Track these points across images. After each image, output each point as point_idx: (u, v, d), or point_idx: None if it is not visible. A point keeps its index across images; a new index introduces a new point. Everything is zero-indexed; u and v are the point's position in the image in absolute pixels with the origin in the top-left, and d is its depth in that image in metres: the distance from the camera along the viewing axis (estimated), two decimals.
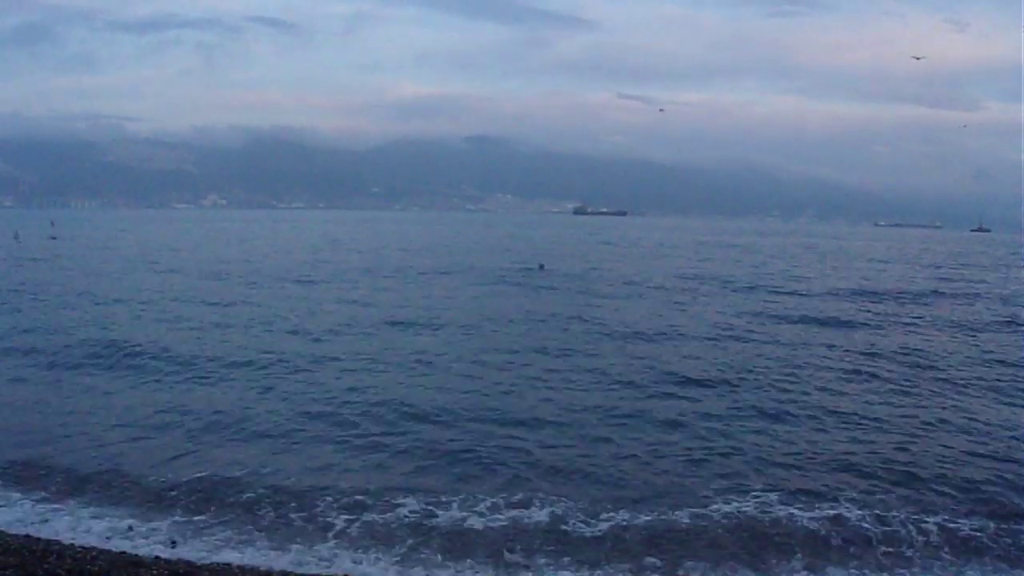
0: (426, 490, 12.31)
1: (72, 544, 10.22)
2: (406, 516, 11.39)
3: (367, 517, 11.36)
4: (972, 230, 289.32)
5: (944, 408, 17.56)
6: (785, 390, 18.72)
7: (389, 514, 11.44)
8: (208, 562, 9.98)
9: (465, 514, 11.49)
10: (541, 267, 51.40)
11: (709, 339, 25.47)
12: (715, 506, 11.86)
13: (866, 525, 11.36)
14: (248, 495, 12.05)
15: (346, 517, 11.34)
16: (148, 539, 10.64)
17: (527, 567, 10.16)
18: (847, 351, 23.82)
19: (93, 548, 10.09)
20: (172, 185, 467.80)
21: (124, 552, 10.07)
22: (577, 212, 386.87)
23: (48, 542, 10.25)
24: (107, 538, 10.64)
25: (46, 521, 11.20)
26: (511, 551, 10.51)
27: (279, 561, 10.16)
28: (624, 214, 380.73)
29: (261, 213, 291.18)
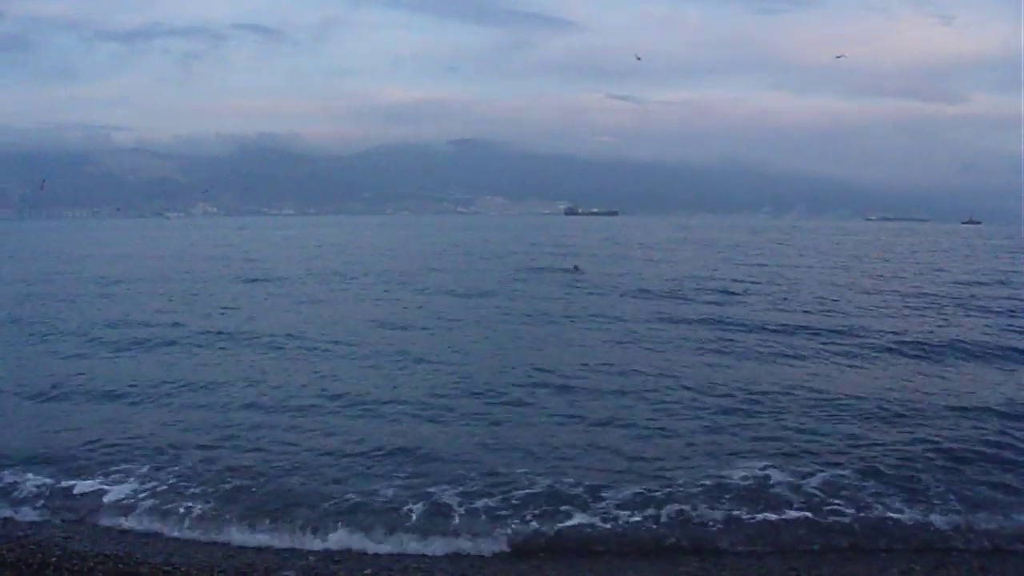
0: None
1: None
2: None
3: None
4: (963, 222, 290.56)
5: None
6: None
7: None
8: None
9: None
10: (576, 268, 51.66)
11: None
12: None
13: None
14: None
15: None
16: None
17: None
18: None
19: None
20: (161, 194, 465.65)
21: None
22: (568, 213, 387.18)
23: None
24: None
25: None
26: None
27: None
28: (615, 214, 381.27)
29: (255, 220, 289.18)
